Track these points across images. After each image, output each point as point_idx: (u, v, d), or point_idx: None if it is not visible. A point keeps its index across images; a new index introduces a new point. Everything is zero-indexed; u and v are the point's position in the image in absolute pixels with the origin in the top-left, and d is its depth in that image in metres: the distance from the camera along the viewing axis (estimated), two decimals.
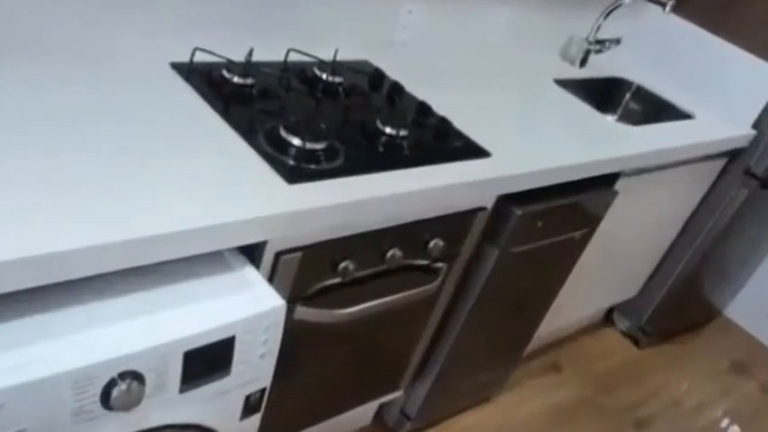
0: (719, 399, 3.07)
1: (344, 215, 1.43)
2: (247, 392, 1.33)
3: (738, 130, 2.64)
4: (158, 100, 1.50)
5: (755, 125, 2.68)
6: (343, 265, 1.53)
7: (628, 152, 2.10)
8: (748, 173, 2.73)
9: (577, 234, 2.13)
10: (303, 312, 1.54)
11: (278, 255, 1.39)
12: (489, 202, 1.80)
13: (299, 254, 1.42)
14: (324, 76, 1.83)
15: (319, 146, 1.49)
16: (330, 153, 1.51)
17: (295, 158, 1.44)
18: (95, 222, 1.11)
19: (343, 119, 1.68)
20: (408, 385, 2.18)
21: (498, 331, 2.22)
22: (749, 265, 3.40)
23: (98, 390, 1.07)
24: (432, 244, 1.70)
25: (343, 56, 1.94)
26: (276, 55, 1.84)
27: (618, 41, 2.73)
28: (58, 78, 1.45)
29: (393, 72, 2.00)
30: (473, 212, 1.76)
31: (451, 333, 2.05)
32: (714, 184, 2.82)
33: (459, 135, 1.80)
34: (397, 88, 1.91)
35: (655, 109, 2.74)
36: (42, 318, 1.08)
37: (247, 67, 1.68)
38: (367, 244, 1.57)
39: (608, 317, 3.29)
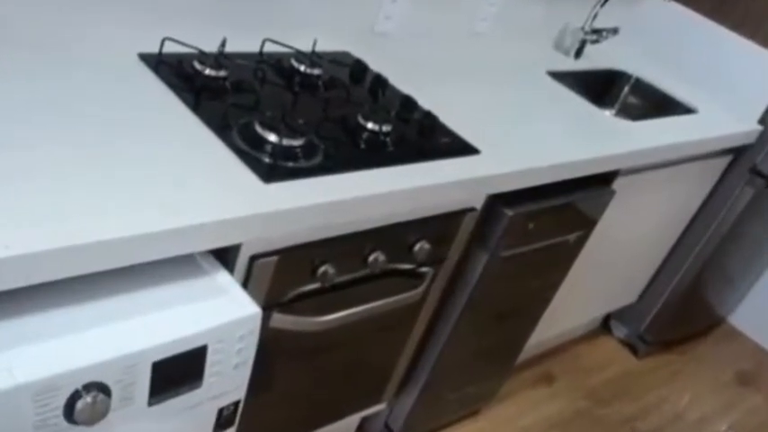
0: (724, 412, 3.10)
1: (324, 216, 1.44)
2: (220, 405, 1.34)
3: (744, 126, 2.67)
4: (124, 93, 1.51)
5: (762, 120, 2.71)
6: (322, 269, 1.54)
7: (626, 149, 2.12)
8: (754, 171, 2.76)
9: (572, 236, 2.15)
10: (280, 320, 1.55)
11: (253, 258, 1.40)
12: (478, 203, 1.82)
13: (275, 257, 1.43)
14: (302, 68, 1.84)
15: (297, 142, 1.51)
16: (308, 150, 1.52)
17: (271, 156, 1.45)
18: (54, 224, 1.11)
19: (322, 114, 1.69)
20: (392, 398, 2.19)
21: (488, 340, 2.24)
22: (755, 270, 3.43)
23: (61, 402, 1.07)
24: (417, 247, 1.72)
25: (323, 46, 1.96)
26: (251, 45, 1.85)
27: (615, 31, 2.75)
28: (17, 69, 1.46)
29: (376, 64, 2.01)
30: (461, 213, 1.78)
31: (438, 342, 2.07)
32: (718, 183, 2.85)
33: (446, 131, 1.82)
34: (379, 81, 1.92)
35: (655, 103, 2.77)
36: None
37: (220, 59, 1.69)
38: (348, 247, 1.58)
39: (605, 324, 3.32)
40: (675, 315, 3.13)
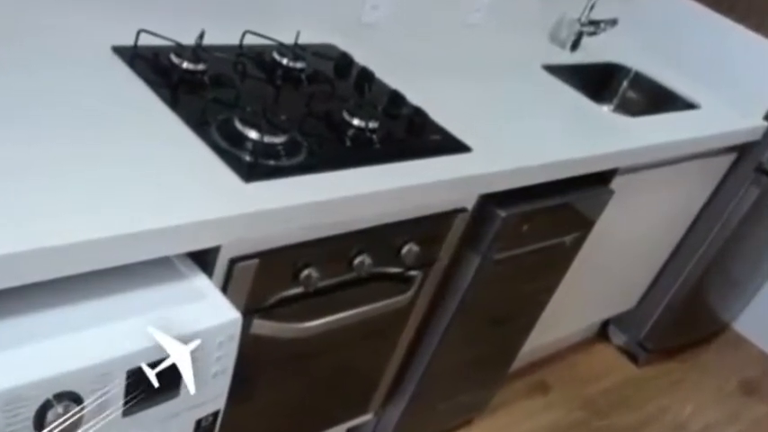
0: (728, 422, 3.11)
1: (307, 217, 1.45)
2: (198, 416, 1.35)
3: (748, 122, 2.69)
4: (97, 88, 1.51)
5: (767, 116, 2.74)
6: (305, 273, 1.55)
7: (625, 146, 2.13)
8: (760, 170, 2.77)
9: (569, 238, 2.16)
10: (261, 326, 1.56)
11: (232, 261, 1.41)
12: (470, 203, 1.83)
13: (255, 260, 1.44)
14: (284, 62, 1.85)
15: (279, 139, 1.51)
16: (291, 148, 1.53)
17: (252, 154, 1.46)
18: (23, 226, 1.11)
19: (305, 109, 1.69)
20: (379, 407, 2.20)
21: (480, 347, 2.25)
22: (760, 273, 3.45)
23: (31, 413, 1.07)
24: (405, 249, 1.73)
25: (306, 39, 1.96)
26: (230, 38, 1.85)
27: (614, 22, 2.76)
28: None
29: (362, 57, 2.02)
30: (452, 214, 1.79)
31: (428, 349, 2.08)
32: (721, 183, 2.87)
33: (435, 128, 1.83)
34: (366, 75, 1.93)
35: (655, 98, 2.79)
36: None
37: (198, 52, 1.70)
38: (332, 250, 1.59)
39: (603, 331, 3.33)
40: (677, 321, 3.14)
